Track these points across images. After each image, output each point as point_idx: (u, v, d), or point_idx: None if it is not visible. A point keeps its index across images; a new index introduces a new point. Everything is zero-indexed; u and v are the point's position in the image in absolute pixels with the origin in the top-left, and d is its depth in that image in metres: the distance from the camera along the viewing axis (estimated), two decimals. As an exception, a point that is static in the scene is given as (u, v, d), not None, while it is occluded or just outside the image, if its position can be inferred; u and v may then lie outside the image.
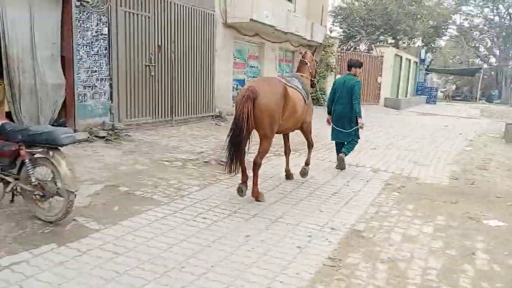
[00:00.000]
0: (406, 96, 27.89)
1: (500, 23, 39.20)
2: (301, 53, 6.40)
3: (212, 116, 11.16)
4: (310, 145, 6.34)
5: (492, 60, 42.90)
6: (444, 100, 38.15)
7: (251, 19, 11.69)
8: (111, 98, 8.07)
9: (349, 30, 26.12)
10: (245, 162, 5.00)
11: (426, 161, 8.31)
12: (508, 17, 39.06)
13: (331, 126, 7.11)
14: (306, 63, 6.17)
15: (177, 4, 9.57)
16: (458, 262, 3.66)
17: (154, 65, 9.01)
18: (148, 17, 8.78)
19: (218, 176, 5.94)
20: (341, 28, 27.86)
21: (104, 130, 7.60)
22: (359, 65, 6.99)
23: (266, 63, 15.17)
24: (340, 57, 19.65)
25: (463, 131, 14.10)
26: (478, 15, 41.06)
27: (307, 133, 6.17)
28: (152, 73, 8.95)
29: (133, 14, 8.36)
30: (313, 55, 6.44)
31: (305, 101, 5.66)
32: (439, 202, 5.48)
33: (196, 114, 10.57)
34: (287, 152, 6.19)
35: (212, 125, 10.50)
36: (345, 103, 6.80)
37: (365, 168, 7.33)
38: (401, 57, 25.60)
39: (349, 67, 7.00)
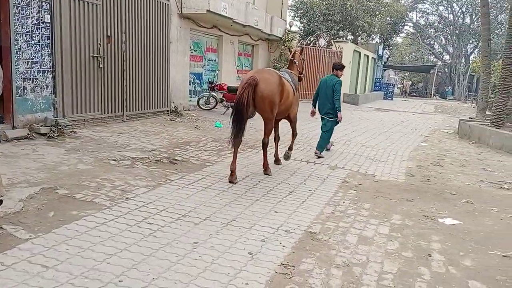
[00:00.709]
0: (364, 92, 28.40)
1: (454, 21, 40.68)
2: (290, 52, 7.34)
3: (167, 111, 10.71)
4: (294, 134, 7.14)
5: (446, 57, 44.52)
6: (400, 96, 39.22)
7: (208, 10, 11.32)
8: (54, 91, 7.48)
9: (309, 25, 26.12)
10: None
11: (382, 158, 8.33)
12: (461, 16, 40.60)
13: (313, 117, 8.29)
14: (295, 62, 7.09)
15: (129, -8, 9.05)
16: (414, 265, 3.55)
17: (103, 57, 8.47)
18: (97, 5, 8.21)
19: (169, 176, 5.59)
20: (301, 23, 27.82)
21: (46, 126, 7.02)
22: (340, 68, 8.07)
23: (225, 56, 14.84)
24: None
25: (418, 127, 14.40)
26: (433, 13, 42.48)
27: (293, 122, 7.00)
28: (101, 65, 8.41)
29: (80, 1, 7.78)
30: (301, 53, 7.32)
31: (294, 93, 6.51)
32: (395, 200, 5.42)
33: (149, 109, 10.09)
34: (276, 139, 6.92)
35: (167, 120, 10.06)
36: (326, 99, 7.91)
37: (323, 165, 7.22)
38: (359, 53, 25.95)
39: (332, 69, 8.13)
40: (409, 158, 8.49)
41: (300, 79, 7.15)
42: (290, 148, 7.08)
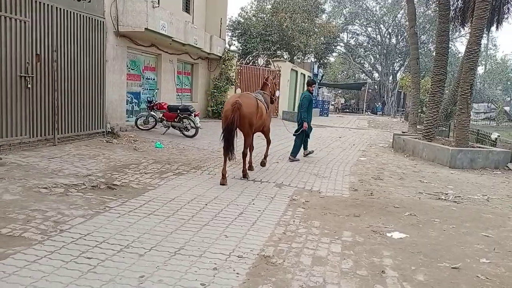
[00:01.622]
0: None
1: (382, 42, 43.30)
2: (264, 77, 9.06)
3: (103, 132, 10.13)
4: (268, 142, 8.65)
5: (376, 75, 47.10)
6: (334, 112, 40.77)
7: (146, 29, 11.01)
8: (-26, 114, 6.79)
9: (246, 45, 26.48)
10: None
11: (326, 173, 8.43)
12: (388, 36, 43.32)
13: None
14: (268, 84, 8.51)
15: (60, 8, 8.51)
16: (370, 283, 3.50)
17: (32, 76, 7.85)
18: (25, 22, 7.64)
19: (108, 203, 5.18)
20: (239, 42, 28.15)
21: (-36, 152, 6.32)
22: (309, 83, 10.33)
23: (164, 75, 14.50)
24: (239, 70, 19.68)
25: (356, 142, 14.90)
26: (363, 33, 44.92)
27: (266, 134, 8.48)
28: (29, 85, 7.78)
29: (5, 18, 7.18)
30: (274, 78, 9.06)
31: (266, 111, 7.81)
32: (343, 216, 5.43)
33: (83, 130, 9.46)
34: (251, 148, 7.96)
35: (103, 142, 9.48)
36: (299, 111, 10.12)
37: (269, 183, 7.14)
38: (296, 72, 26.67)
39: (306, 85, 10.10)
40: (351, 173, 8.67)
41: (272, 101, 8.53)
42: (265, 156, 8.57)
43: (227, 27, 25.71)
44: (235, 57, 19.25)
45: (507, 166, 10.17)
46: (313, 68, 33.09)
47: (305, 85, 32.29)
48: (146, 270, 3.42)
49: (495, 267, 3.99)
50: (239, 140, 7.01)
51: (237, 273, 3.50)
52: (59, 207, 4.84)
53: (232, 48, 20.54)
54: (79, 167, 6.92)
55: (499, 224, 5.43)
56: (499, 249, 4.50)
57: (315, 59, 35.55)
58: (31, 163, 6.77)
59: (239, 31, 27.72)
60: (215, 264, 3.65)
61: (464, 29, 21.08)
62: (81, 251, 3.71)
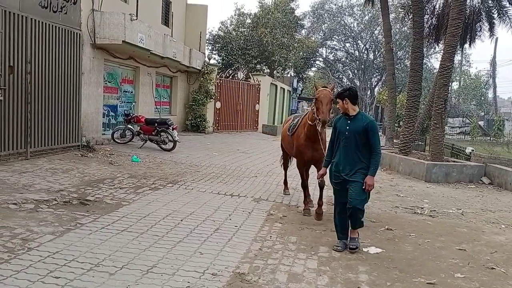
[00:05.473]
0: (281, 123, 29.26)
1: (359, 57, 44.15)
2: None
3: (78, 146, 9.91)
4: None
5: (354, 90, 47.83)
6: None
7: (124, 41, 10.90)
8: None
9: (227, 57, 26.60)
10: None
11: (304, 187, 8.41)
12: (365, 52, 44.22)
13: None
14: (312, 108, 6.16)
15: (35, 20, 8.36)
16: (345, 300, 3.47)
17: (4, 88, 7.65)
18: (-2, 33, 7.48)
19: (80, 220, 5.02)
20: (219, 56, 28.24)
21: None
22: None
23: (142, 88, 14.38)
24: (219, 84, 19.69)
25: (335, 155, 14.97)
26: (341, 49, 45.72)
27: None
28: (1, 98, 7.58)
29: (-24, 28, 7.02)
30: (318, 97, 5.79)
31: (289, 134, 6.72)
32: (320, 231, 5.42)
33: (58, 144, 9.23)
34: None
35: (77, 156, 9.27)
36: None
37: (247, 198, 7.08)
38: (276, 86, 26.87)
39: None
40: (329, 187, 8.67)
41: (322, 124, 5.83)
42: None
43: (207, 41, 25.77)
44: (215, 70, 19.27)
45: (481, 180, 10.38)
46: (293, 82, 33.45)
47: (285, 99, 32.33)
48: (116, 290, 3.32)
49: (470, 281, 4.03)
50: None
51: (211, 292, 3.42)
52: (28, 224, 4.67)
53: (212, 61, 20.59)
54: (52, 182, 6.72)
55: (473, 238, 5.51)
56: (473, 263, 4.54)
57: (295, 74, 35.93)
58: (1, 178, 6.53)
59: (219, 44, 27.84)
60: (188, 282, 3.56)
61: (438, 46, 21.67)
62: (49, 270, 3.57)
